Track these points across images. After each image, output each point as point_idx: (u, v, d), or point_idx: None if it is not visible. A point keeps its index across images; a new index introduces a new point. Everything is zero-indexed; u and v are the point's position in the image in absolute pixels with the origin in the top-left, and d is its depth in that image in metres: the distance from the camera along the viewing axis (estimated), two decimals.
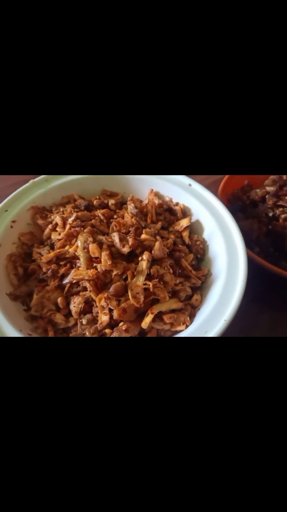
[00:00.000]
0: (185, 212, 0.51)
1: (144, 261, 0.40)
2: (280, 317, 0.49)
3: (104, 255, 0.39)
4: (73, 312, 0.39)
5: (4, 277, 0.42)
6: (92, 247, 0.40)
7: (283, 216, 0.53)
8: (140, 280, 0.39)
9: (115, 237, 0.41)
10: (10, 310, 0.39)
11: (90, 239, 0.41)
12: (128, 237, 0.42)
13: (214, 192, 0.50)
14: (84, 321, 0.38)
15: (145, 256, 0.40)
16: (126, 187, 0.54)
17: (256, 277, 0.44)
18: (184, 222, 0.48)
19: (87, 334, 0.37)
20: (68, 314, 0.40)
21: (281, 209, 0.55)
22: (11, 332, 0.35)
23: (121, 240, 0.41)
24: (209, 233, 0.47)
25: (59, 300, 0.40)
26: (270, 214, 0.55)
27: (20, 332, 0.35)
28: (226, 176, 0.60)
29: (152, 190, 0.53)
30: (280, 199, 0.56)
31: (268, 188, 0.58)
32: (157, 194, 0.52)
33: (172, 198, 0.52)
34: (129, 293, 0.38)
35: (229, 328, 0.35)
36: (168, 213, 0.51)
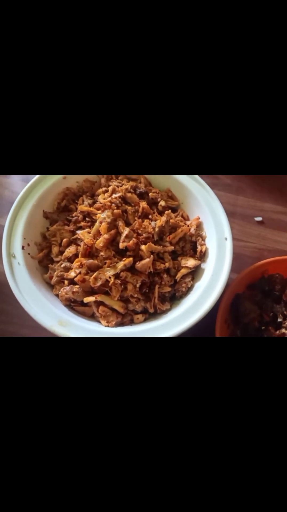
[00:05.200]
0: (203, 256, 0.53)
1: (121, 263, 0.47)
2: None
3: (103, 237, 0.48)
4: (64, 254, 0.51)
5: (52, 201, 0.56)
6: (103, 226, 0.49)
7: (283, 330, 0.50)
8: (109, 273, 0.47)
9: (124, 232, 0.49)
10: (36, 221, 0.53)
11: (108, 219, 0.50)
12: (134, 238, 0.49)
13: None
14: (63, 265, 0.50)
15: (126, 261, 0.47)
16: (185, 199, 0.58)
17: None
18: (191, 263, 0.51)
19: (55, 273, 0.50)
20: (60, 253, 0.52)
21: None
22: (20, 229, 0.50)
23: (126, 236, 0.49)
24: (197, 286, 0.50)
25: (64, 240, 0.52)
26: (279, 320, 0.52)
27: (24, 239, 0.50)
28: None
29: (199, 218, 0.55)
30: None
31: None
32: (199, 225, 0.55)
33: (207, 237, 0.54)
34: (94, 274, 0.47)
35: None
36: (189, 246, 0.54)
